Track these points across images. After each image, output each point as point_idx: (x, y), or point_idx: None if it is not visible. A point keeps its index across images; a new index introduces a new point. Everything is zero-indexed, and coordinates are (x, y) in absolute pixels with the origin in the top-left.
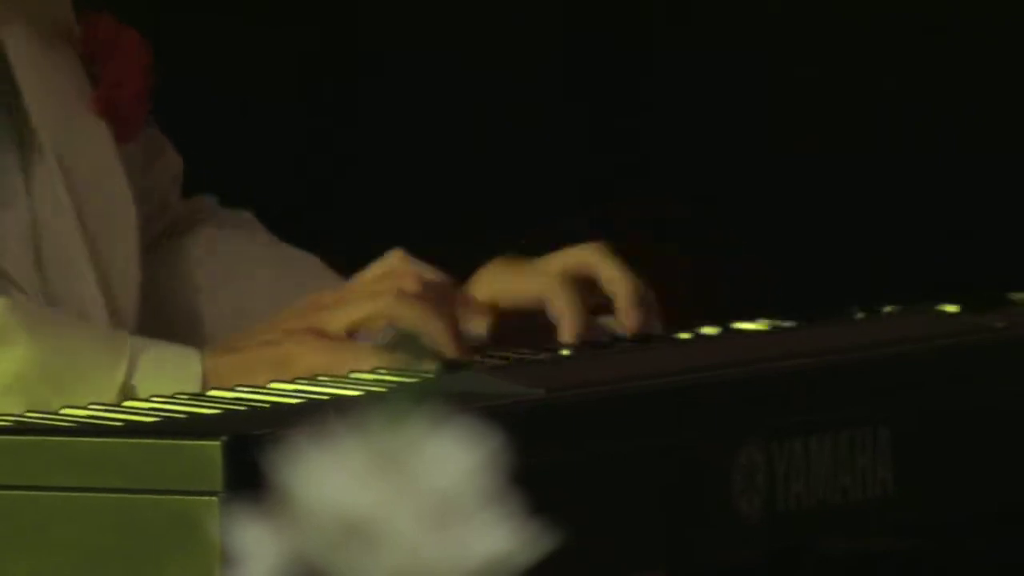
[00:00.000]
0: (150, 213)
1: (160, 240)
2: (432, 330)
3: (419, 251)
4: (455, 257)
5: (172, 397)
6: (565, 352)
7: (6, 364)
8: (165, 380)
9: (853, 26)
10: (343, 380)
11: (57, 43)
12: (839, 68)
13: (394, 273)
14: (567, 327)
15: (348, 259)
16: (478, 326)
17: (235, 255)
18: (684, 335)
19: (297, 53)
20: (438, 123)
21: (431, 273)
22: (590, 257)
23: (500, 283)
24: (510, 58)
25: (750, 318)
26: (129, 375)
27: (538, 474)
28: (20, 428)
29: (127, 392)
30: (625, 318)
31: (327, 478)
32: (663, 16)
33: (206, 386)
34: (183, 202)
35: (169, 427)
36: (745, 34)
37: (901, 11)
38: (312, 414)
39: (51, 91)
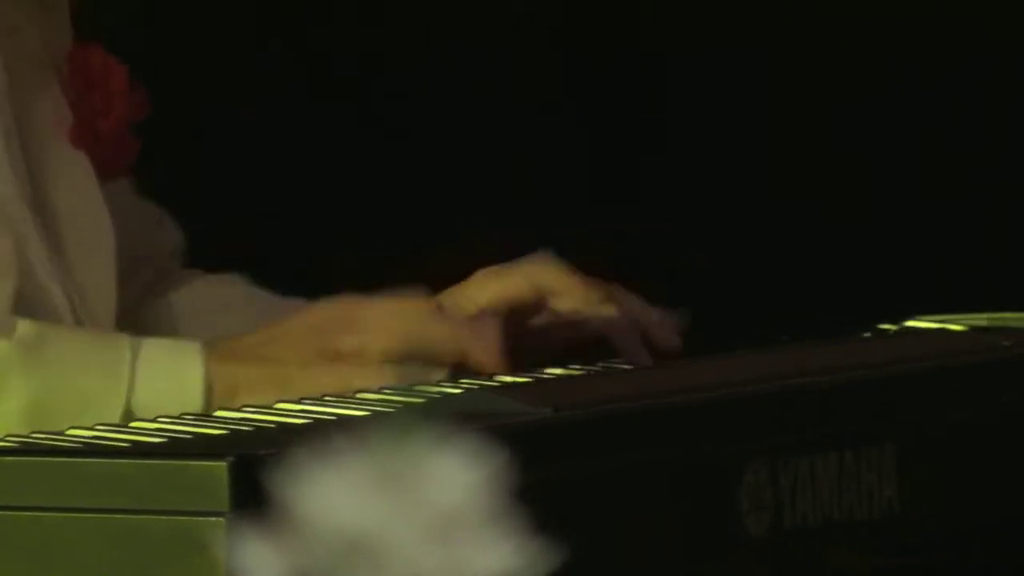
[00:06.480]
0: (146, 281)
1: (148, 297)
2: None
3: (418, 250)
4: (454, 257)
5: (178, 417)
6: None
7: (9, 406)
8: (166, 397)
9: (853, 25)
10: (349, 400)
11: (42, 73)
12: (839, 68)
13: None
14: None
15: (346, 258)
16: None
17: (218, 299)
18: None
19: (297, 53)
20: (438, 123)
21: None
22: (549, 273)
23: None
24: (510, 58)
25: (750, 329)
26: (129, 398)
27: (545, 493)
28: (26, 449)
29: (132, 410)
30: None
31: (331, 496)
32: (663, 16)
33: (210, 391)
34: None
35: (175, 447)
36: (745, 34)
37: (901, 11)
38: (318, 434)
39: (26, 122)
